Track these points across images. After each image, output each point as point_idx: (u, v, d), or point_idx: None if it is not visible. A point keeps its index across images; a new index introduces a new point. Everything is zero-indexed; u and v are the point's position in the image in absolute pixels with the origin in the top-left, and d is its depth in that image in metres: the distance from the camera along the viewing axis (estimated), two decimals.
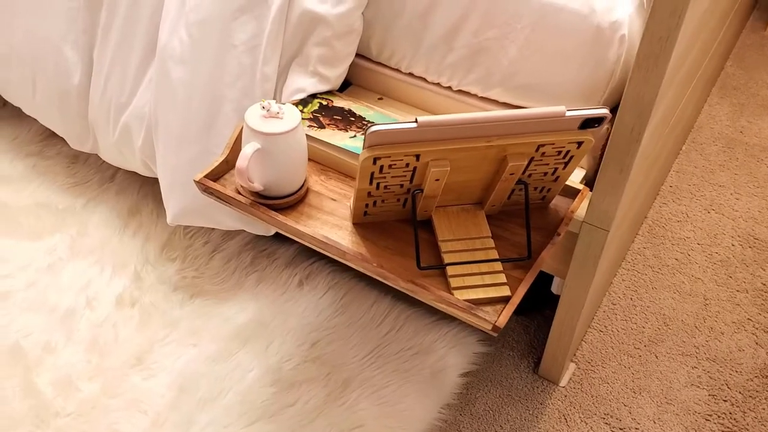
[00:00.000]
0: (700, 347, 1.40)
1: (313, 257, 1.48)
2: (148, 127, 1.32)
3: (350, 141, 1.09)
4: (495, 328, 0.88)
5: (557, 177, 0.97)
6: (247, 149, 0.96)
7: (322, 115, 1.15)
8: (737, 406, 1.30)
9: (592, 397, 1.31)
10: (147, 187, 1.61)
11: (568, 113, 0.85)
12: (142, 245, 1.49)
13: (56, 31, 1.39)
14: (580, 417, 1.28)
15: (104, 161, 1.66)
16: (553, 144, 0.89)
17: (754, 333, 1.42)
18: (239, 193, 1.04)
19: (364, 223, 1.02)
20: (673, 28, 0.85)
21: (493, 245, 0.97)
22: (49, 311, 1.36)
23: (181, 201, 1.29)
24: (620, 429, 1.27)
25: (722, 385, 1.34)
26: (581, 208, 1.06)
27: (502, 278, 0.94)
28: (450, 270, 0.94)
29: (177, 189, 1.29)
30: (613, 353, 1.38)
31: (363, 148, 0.86)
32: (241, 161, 0.96)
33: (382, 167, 0.88)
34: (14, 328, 1.33)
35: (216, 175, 1.07)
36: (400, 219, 1.03)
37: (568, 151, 0.91)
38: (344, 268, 1.46)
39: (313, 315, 1.38)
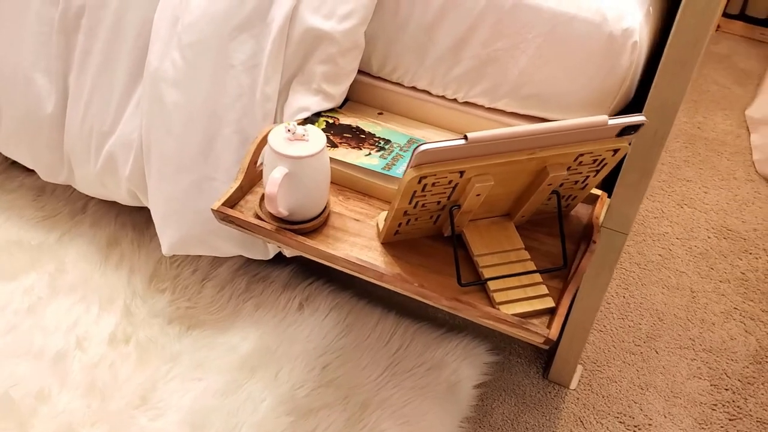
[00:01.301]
0: (696, 339, 1.44)
1: (309, 278, 1.44)
2: (137, 155, 1.25)
3: (366, 159, 1.07)
4: (547, 340, 0.88)
5: (586, 185, 0.98)
6: (276, 174, 0.92)
7: (332, 134, 1.12)
8: (738, 394, 1.35)
9: (603, 397, 1.33)
10: (124, 216, 1.54)
11: (610, 122, 0.85)
12: (128, 278, 1.42)
13: (25, 57, 1.30)
14: (595, 418, 1.30)
15: (73, 191, 1.58)
16: (592, 153, 0.89)
17: (742, 321, 1.48)
18: (260, 218, 1.00)
19: (392, 242, 1.00)
20: (701, 33, 0.87)
21: (529, 257, 0.97)
22: (36, 356, 1.27)
23: (178, 230, 1.24)
24: (635, 427, 1.29)
25: (721, 374, 1.38)
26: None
27: (544, 289, 0.93)
28: (492, 285, 0.93)
29: (173, 218, 1.23)
30: (615, 352, 1.41)
31: (408, 167, 0.84)
32: (271, 187, 0.92)
33: (425, 186, 0.86)
34: None
35: (232, 202, 1.02)
36: (428, 235, 1.01)
37: (603, 159, 0.91)
38: (343, 287, 1.43)
39: (318, 338, 1.34)
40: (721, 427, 1.29)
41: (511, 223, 1.00)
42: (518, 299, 0.92)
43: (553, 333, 0.88)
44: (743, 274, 1.58)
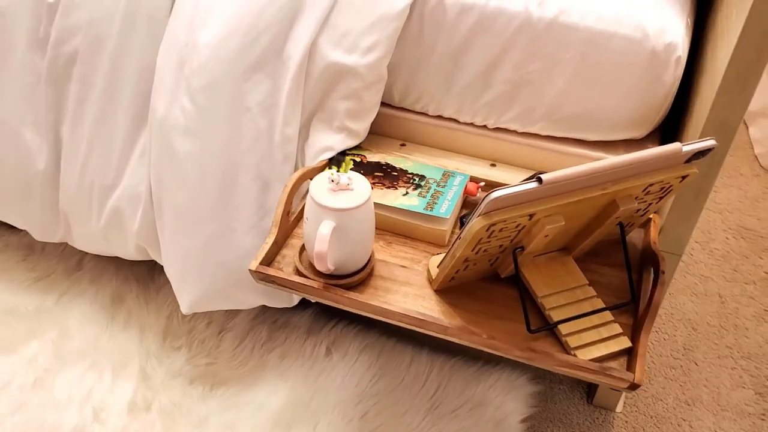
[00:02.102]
0: (733, 347, 1.41)
1: (332, 320, 1.37)
2: (146, 208, 1.16)
3: (405, 200, 1.00)
4: (633, 386, 0.82)
5: (647, 212, 0.92)
6: (324, 230, 0.85)
7: (363, 174, 1.05)
8: None
9: (651, 418, 1.28)
10: (125, 269, 1.44)
11: (684, 149, 0.80)
12: (139, 337, 1.32)
13: (10, 111, 1.20)
14: None
15: (66, 247, 1.47)
16: (662, 181, 0.84)
17: None
18: (302, 275, 0.92)
19: (446, 288, 0.93)
20: (764, 50, 0.82)
21: (595, 293, 0.91)
22: None
23: (198, 287, 1.15)
24: None
25: (764, 381, 1.35)
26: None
27: (617, 328, 0.88)
28: (563, 329, 0.87)
29: (192, 275, 1.14)
30: (656, 368, 1.36)
31: (475, 215, 0.77)
32: (321, 245, 0.84)
33: (492, 232, 0.80)
34: None
35: (269, 259, 0.95)
36: (483, 277, 0.95)
37: (670, 186, 0.86)
38: (369, 326, 1.36)
39: (351, 385, 1.27)
40: None
41: (570, 258, 0.94)
42: (593, 342, 0.86)
43: (639, 377, 0.82)
44: (767, 273, 1.56)
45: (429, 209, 0.98)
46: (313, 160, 1.08)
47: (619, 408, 1.29)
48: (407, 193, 1.02)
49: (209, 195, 1.09)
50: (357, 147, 1.11)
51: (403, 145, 1.18)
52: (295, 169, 1.10)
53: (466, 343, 0.87)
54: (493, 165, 1.15)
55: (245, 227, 1.11)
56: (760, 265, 1.58)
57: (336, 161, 1.07)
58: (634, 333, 0.88)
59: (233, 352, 1.31)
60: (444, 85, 1.09)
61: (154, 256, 1.23)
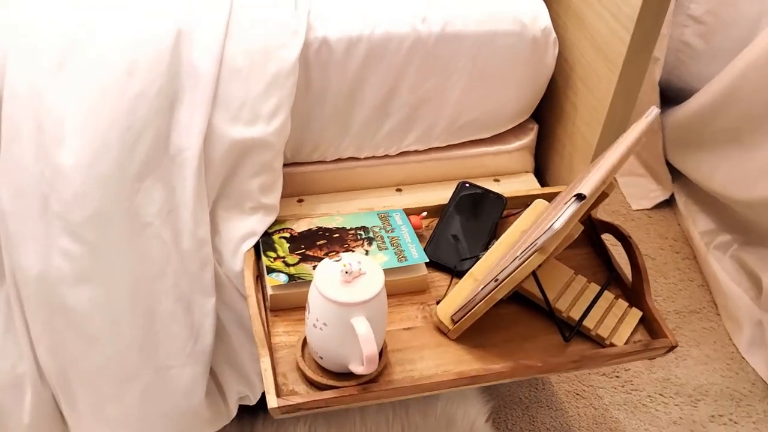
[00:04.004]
0: None
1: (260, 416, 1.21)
2: (37, 391, 0.89)
3: (377, 259, 0.91)
4: (672, 348, 0.87)
5: None
6: (364, 329, 0.74)
7: (307, 250, 0.93)
8: None
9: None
10: None
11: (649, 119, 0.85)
12: None
13: None
14: None
15: None
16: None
17: None
18: (326, 386, 0.80)
19: (463, 332, 0.88)
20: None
21: (586, 279, 0.94)
22: None
23: None
24: None
25: None
26: None
27: (624, 304, 0.92)
28: (588, 324, 0.88)
29: None
30: None
31: (531, 253, 0.74)
32: (370, 346, 0.74)
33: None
34: None
35: (279, 388, 0.80)
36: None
37: None
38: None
39: None
40: None
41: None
42: (615, 326, 0.89)
43: (672, 339, 0.88)
44: None
45: (403, 260, 0.91)
46: (233, 255, 0.93)
47: None
48: (367, 252, 0.93)
49: (130, 343, 0.88)
50: (275, 222, 0.98)
51: (300, 201, 1.07)
52: (215, 273, 0.93)
53: (521, 378, 0.84)
54: (398, 190, 1.10)
55: (181, 360, 0.92)
56: None
57: (268, 246, 0.93)
58: (637, 301, 0.93)
59: None
60: (341, 127, 1.01)
61: None
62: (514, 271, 0.76)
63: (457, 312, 0.85)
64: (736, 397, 1.35)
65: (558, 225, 0.71)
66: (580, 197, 0.74)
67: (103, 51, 0.84)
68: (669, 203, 1.73)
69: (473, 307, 0.82)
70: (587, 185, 0.75)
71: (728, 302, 1.46)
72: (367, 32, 0.95)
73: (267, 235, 0.95)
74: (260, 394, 1.07)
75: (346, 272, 0.76)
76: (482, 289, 0.80)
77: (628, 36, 0.92)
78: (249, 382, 1.02)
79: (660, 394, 1.35)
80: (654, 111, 0.87)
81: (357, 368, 0.78)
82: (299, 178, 1.05)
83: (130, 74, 0.83)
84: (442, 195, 1.09)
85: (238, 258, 0.93)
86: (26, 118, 0.82)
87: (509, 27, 1.00)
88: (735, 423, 1.31)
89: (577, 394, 1.33)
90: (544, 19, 1.02)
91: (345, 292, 0.75)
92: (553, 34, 1.03)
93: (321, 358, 0.80)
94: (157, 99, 0.84)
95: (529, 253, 0.74)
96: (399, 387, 0.80)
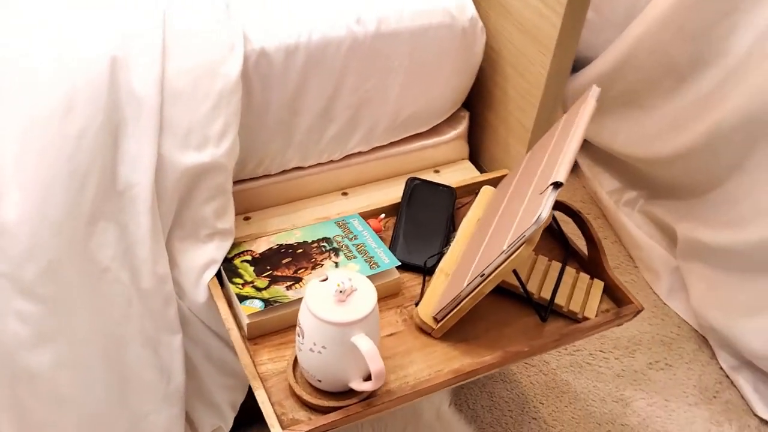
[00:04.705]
0: None
1: None
2: None
3: (351, 268, 0.90)
4: (638, 311, 0.92)
5: None
6: (367, 345, 0.73)
7: (274, 270, 0.90)
8: None
9: None
10: None
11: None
12: None
13: None
14: None
15: None
16: None
17: None
18: (329, 408, 0.78)
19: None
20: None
21: (548, 258, 0.97)
22: None
23: None
24: None
25: None
26: None
27: (586, 277, 0.96)
28: (560, 302, 0.92)
29: None
30: None
31: (520, 245, 0.75)
32: (377, 362, 0.73)
33: None
34: None
35: (287, 421, 0.77)
36: None
37: None
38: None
39: None
40: None
41: None
42: (584, 299, 0.93)
43: (638, 303, 0.93)
44: None
45: (375, 267, 0.90)
46: (195, 287, 0.88)
47: None
48: (337, 264, 0.91)
49: (103, 398, 0.82)
50: (233, 246, 0.93)
51: (247, 218, 1.03)
52: (179, 308, 0.88)
53: (513, 364, 0.86)
54: (344, 194, 1.09)
55: (156, 405, 0.87)
56: None
57: (231, 272, 0.89)
58: (597, 272, 0.97)
59: None
60: (285, 138, 0.98)
61: None
62: (501, 264, 0.77)
63: (440, 311, 0.86)
64: (666, 341, 1.45)
65: (545, 215, 0.73)
66: (557, 185, 0.76)
67: (31, 88, 0.76)
68: (572, 169, 1.81)
69: (458, 304, 0.83)
70: (560, 173, 0.77)
71: (644, 254, 1.56)
72: (304, 39, 0.92)
73: (227, 261, 0.91)
74: (232, 424, 1.03)
75: (341, 291, 0.74)
76: (467, 285, 0.81)
77: (559, 19, 0.94)
78: (220, 413, 0.99)
79: (600, 351, 1.42)
80: (595, 90, 0.91)
81: (359, 385, 0.77)
82: (244, 195, 1.01)
83: (67, 111, 0.76)
84: (388, 193, 1.09)
85: (201, 289, 0.88)
86: None
87: (440, 20, 1.00)
88: (670, 366, 1.40)
89: (527, 364, 1.37)
90: (470, 9, 1.03)
91: (341, 312, 0.73)
92: (480, 23, 1.04)
93: (320, 381, 0.78)
94: (100, 135, 0.77)
95: (518, 245, 0.75)
96: (401, 396, 0.79)
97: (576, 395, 1.34)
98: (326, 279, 0.77)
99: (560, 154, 0.81)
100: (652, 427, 1.30)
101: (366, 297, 0.75)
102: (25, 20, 0.81)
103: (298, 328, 0.77)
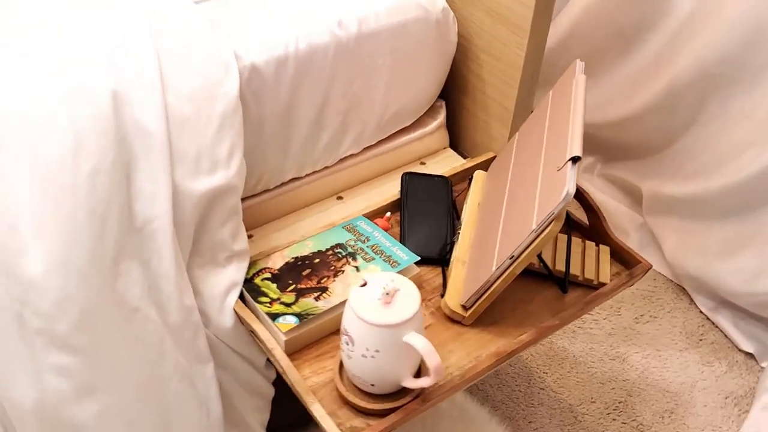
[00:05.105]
0: None
1: None
2: None
3: (372, 270, 0.90)
4: (648, 269, 0.97)
5: None
6: (421, 341, 0.74)
7: (298, 284, 0.89)
8: None
9: None
10: None
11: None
12: None
13: None
14: None
15: None
16: None
17: None
18: (379, 413, 0.79)
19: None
20: None
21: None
22: None
23: None
24: None
25: None
26: None
27: (593, 244, 1.00)
28: (574, 271, 0.95)
29: None
30: None
31: (550, 221, 0.77)
32: (435, 357, 0.73)
33: None
34: None
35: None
36: None
37: None
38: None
39: None
40: None
41: None
42: (595, 266, 0.97)
43: (645, 262, 0.97)
44: None
45: (396, 265, 0.91)
46: (220, 313, 0.87)
47: None
48: (358, 268, 0.91)
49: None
50: (250, 266, 0.92)
51: (250, 236, 1.02)
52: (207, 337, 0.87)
53: (546, 336, 0.89)
54: (339, 198, 1.09)
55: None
56: None
57: (254, 292, 0.88)
58: (601, 238, 1.00)
59: None
60: (281, 151, 0.97)
61: None
62: (532, 243, 0.79)
63: (469, 298, 0.87)
64: (646, 295, 1.52)
65: (573, 190, 0.76)
66: (575, 159, 0.79)
67: (35, 133, 0.73)
68: None
69: (489, 288, 0.85)
70: (575, 147, 0.80)
71: (610, 216, 1.63)
72: (292, 49, 0.91)
73: (248, 282, 0.90)
74: None
75: (387, 293, 0.74)
76: (497, 268, 0.83)
77: (533, 0, 0.97)
78: None
79: (588, 314, 1.47)
80: (580, 64, 0.94)
81: (415, 383, 0.77)
82: (245, 213, 0.99)
83: (77, 152, 0.73)
84: (382, 191, 1.09)
85: (226, 314, 0.87)
86: None
87: (415, 14, 1.01)
88: (655, 318, 1.47)
89: None
90: (440, 0, 1.05)
91: (390, 314, 0.74)
92: (452, 13, 1.06)
93: (373, 385, 0.78)
94: (112, 172, 0.75)
95: (547, 222, 0.77)
96: (453, 386, 0.81)
97: (575, 360, 1.39)
98: (365, 284, 0.77)
99: (567, 130, 0.84)
100: (650, 378, 1.36)
101: (409, 295, 0.76)
102: (13, 58, 0.77)
103: (344, 337, 0.77)
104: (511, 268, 0.82)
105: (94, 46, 0.79)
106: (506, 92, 1.08)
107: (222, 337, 0.88)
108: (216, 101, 0.83)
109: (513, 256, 0.81)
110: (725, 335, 1.43)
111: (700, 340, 1.43)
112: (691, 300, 1.50)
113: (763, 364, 1.37)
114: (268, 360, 0.93)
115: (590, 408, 1.31)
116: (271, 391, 0.97)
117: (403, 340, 0.74)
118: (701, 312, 1.47)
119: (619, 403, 1.32)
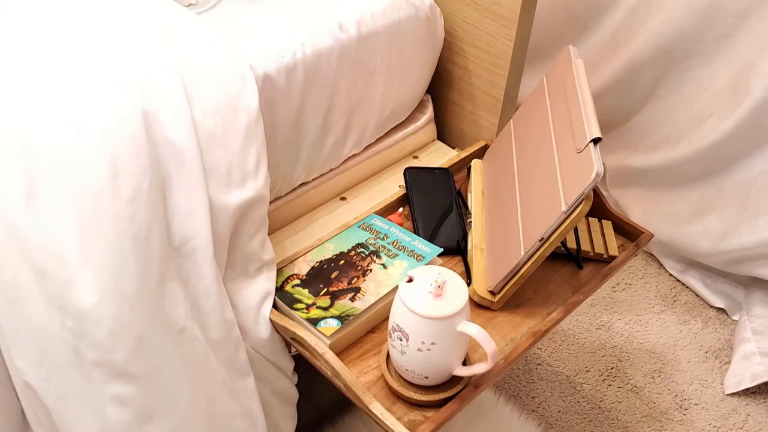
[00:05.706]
0: None
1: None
2: None
3: (396, 270, 0.92)
4: (651, 237, 1.02)
5: None
6: (474, 328, 0.76)
7: (329, 287, 0.90)
8: None
9: None
10: None
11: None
12: None
13: None
14: None
15: None
16: None
17: None
18: (433, 404, 0.81)
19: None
20: None
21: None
22: None
23: None
24: None
25: None
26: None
27: (595, 220, 1.04)
28: (584, 247, 0.99)
29: None
30: None
31: (580, 202, 0.81)
32: (490, 342, 0.76)
33: None
34: None
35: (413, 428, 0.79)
36: None
37: None
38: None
39: None
40: None
41: None
42: (602, 240, 1.01)
43: (648, 232, 1.03)
44: None
45: (422, 259, 0.93)
46: (256, 324, 0.87)
47: None
48: (383, 265, 0.93)
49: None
50: (277, 273, 0.92)
51: None
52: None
53: (573, 311, 0.93)
54: (343, 199, 1.10)
55: None
56: None
57: (287, 299, 0.88)
58: (601, 213, 1.05)
59: None
60: (293, 157, 0.97)
61: None
62: (562, 223, 0.83)
63: (498, 283, 0.90)
64: None
65: (601, 169, 0.79)
66: (597, 141, 0.83)
67: (72, 157, 0.71)
68: None
69: (518, 271, 0.88)
70: (593, 129, 0.84)
71: None
72: (300, 55, 0.91)
73: (279, 290, 0.90)
74: None
75: (438, 286, 0.76)
76: (525, 252, 0.86)
77: None
78: None
79: None
80: (573, 49, 0.98)
81: (468, 370, 0.80)
82: None
83: (115, 177, 0.71)
84: (383, 188, 1.11)
85: (262, 325, 0.87)
86: (17, 273, 0.67)
87: (406, 12, 1.03)
88: (630, 285, 1.55)
89: None
90: None
91: (443, 306, 0.76)
92: (438, 9, 1.08)
93: (427, 377, 0.80)
94: (151, 193, 0.74)
95: (578, 202, 0.81)
96: (500, 369, 0.84)
97: (564, 333, 1.44)
98: (411, 280, 0.79)
99: (577, 114, 0.88)
100: (636, 342, 1.43)
101: (456, 285, 0.78)
102: (35, 83, 0.75)
103: (396, 333, 0.78)
104: (541, 250, 0.86)
105: (115, 66, 0.77)
106: (495, 82, 1.11)
107: (258, 348, 0.88)
108: (238, 113, 0.82)
109: (543, 238, 0.85)
110: (696, 294, 1.53)
111: (674, 301, 1.52)
112: (660, 265, 1.58)
113: (734, 317, 1.47)
114: (295, 367, 0.94)
115: (586, 377, 1.37)
116: (297, 397, 0.97)
117: (457, 329, 0.76)
118: (671, 275, 1.56)
119: (612, 368, 1.38)
